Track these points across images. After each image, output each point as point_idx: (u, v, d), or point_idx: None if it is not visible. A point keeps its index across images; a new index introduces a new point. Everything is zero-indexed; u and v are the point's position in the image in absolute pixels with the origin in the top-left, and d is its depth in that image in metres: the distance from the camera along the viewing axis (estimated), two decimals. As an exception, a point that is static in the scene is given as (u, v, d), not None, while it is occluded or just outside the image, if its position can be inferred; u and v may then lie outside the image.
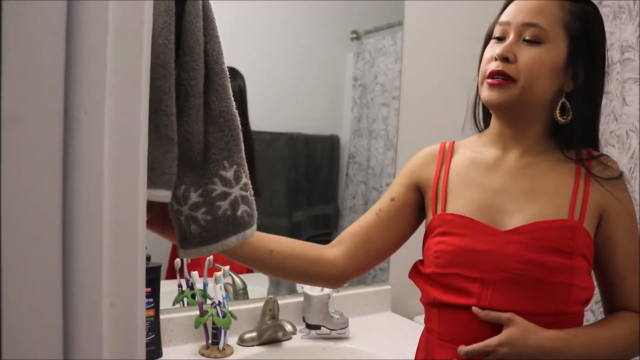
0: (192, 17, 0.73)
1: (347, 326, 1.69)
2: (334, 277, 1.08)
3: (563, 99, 0.97)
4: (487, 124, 1.10)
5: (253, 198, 0.81)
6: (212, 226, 0.77)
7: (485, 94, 0.97)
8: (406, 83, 2.07)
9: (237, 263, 1.03)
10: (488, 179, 1.01)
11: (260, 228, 1.81)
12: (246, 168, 0.80)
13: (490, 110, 1.03)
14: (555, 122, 0.99)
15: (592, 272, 0.99)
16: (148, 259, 1.40)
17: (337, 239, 1.11)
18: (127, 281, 0.52)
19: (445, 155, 1.09)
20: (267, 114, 1.84)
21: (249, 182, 0.81)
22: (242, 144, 0.79)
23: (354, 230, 1.10)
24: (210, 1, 0.77)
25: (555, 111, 0.97)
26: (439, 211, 1.02)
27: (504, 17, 0.98)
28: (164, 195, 0.73)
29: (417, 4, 2.07)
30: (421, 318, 2.03)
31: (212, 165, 0.76)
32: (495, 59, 0.95)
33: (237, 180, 0.78)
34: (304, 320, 1.69)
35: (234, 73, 1.67)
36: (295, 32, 1.88)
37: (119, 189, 0.51)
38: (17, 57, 0.45)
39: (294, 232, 1.91)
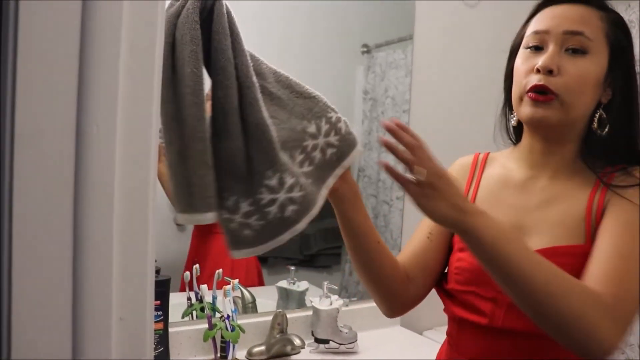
0: (220, 36, 0.75)
1: (356, 340, 1.68)
2: (407, 302, 1.04)
3: (600, 110, 0.92)
4: (518, 138, 1.04)
5: (302, 193, 0.83)
6: (266, 230, 0.81)
7: (527, 110, 0.90)
8: (416, 96, 2.07)
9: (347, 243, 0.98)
10: (513, 199, 0.98)
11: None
12: (291, 170, 0.82)
13: (527, 127, 0.97)
14: (590, 137, 0.93)
15: None
16: (157, 271, 1.41)
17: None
18: (136, 295, 0.53)
19: (477, 168, 1.06)
20: (277, 127, 1.85)
21: (294, 181, 0.82)
22: (278, 151, 0.81)
23: (412, 259, 1.05)
24: (234, 17, 0.79)
25: (593, 123, 0.92)
26: None
27: (540, 26, 0.92)
28: (209, 218, 0.76)
29: (427, 18, 2.07)
30: (430, 333, 2.02)
31: (257, 176, 0.79)
32: (538, 71, 0.88)
33: (281, 185, 0.81)
34: (312, 334, 1.68)
35: None
36: (306, 45, 1.89)
37: (130, 203, 0.51)
38: (31, 73, 0.45)
39: (303, 245, 1.91)
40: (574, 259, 0.86)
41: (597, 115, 0.92)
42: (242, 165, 0.79)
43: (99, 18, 0.48)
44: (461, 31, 2.17)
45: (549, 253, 0.87)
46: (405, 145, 0.79)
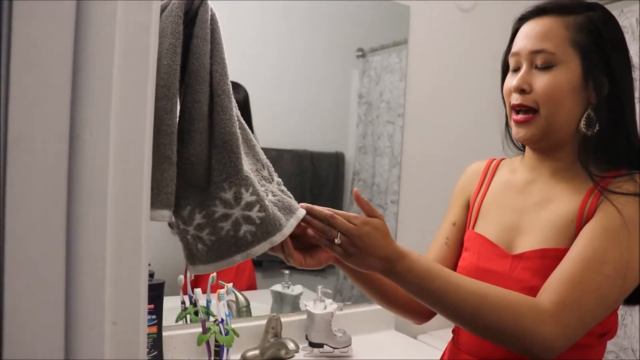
0: (199, 40, 0.74)
1: (350, 344, 1.68)
2: (425, 313, 1.09)
3: (588, 110, 0.94)
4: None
5: (263, 214, 0.81)
6: (217, 246, 0.79)
7: (514, 131, 0.98)
8: (411, 101, 2.08)
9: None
10: (515, 202, 1.02)
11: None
12: (251, 185, 0.80)
13: (523, 143, 1.03)
14: (586, 140, 0.94)
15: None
16: (151, 275, 1.41)
17: None
18: (129, 299, 0.53)
19: (489, 173, 1.11)
20: (272, 130, 1.85)
21: (256, 199, 0.80)
22: (242, 164, 0.79)
23: None
24: (218, 26, 0.78)
25: (581, 123, 0.94)
26: (470, 228, 1.07)
27: (514, 48, 0.98)
28: (162, 215, 0.73)
29: (422, 22, 2.08)
30: (424, 337, 2.02)
31: (213, 187, 0.78)
32: (513, 91, 0.96)
33: (237, 201, 0.79)
34: (306, 338, 1.68)
35: (237, 87, 1.68)
36: (301, 49, 1.89)
37: (123, 208, 0.51)
38: (24, 78, 0.45)
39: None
40: (560, 261, 0.88)
41: (584, 116, 0.94)
42: (202, 174, 0.77)
43: (92, 24, 0.48)
44: (456, 35, 2.18)
45: (537, 255, 0.92)
46: (320, 219, 0.85)
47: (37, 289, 0.47)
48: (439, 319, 1.06)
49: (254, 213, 0.80)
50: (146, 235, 0.54)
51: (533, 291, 0.87)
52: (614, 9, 1.98)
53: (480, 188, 1.10)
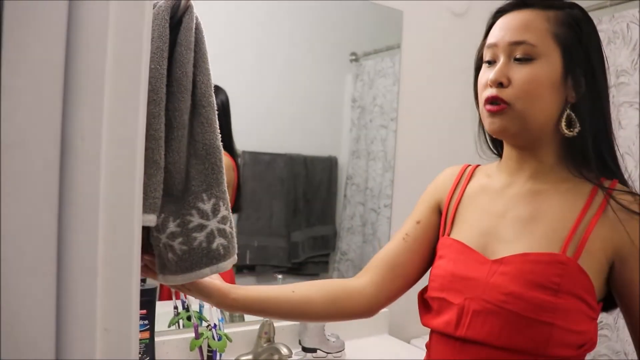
0: (182, 48, 0.73)
1: (344, 349, 1.68)
2: (365, 308, 1.04)
3: (568, 110, 0.91)
4: (501, 150, 1.05)
5: (233, 231, 0.82)
6: (187, 256, 0.78)
7: (487, 122, 0.93)
8: (404, 105, 2.09)
9: (261, 317, 1.07)
10: (492, 206, 0.97)
11: (259, 248, 1.80)
12: (227, 202, 0.80)
13: (496, 137, 0.98)
14: (569, 142, 0.92)
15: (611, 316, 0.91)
16: (143, 280, 1.40)
17: (364, 269, 1.07)
18: (121, 306, 0.52)
19: (463, 178, 1.07)
20: (266, 134, 1.85)
21: (230, 215, 0.81)
22: (224, 178, 0.79)
23: (380, 257, 1.07)
24: (203, 35, 0.77)
25: (561, 124, 0.90)
26: (445, 235, 1.02)
27: (490, 39, 0.94)
28: (149, 220, 0.73)
29: (415, 27, 2.09)
30: (418, 341, 2.02)
31: (191, 197, 0.77)
32: (490, 85, 0.91)
33: (214, 213, 0.78)
34: (300, 343, 1.68)
35: (217, 90, 1.68)
36: (295, 53, 1.90)
37: (115, 214, 0.51)
38: (16, 83, 0.45)
39: (292, 253, 1.91)
40: (543, 266, 0.85)
41: (564, 116, 0.91)
42: (179, 183, 0.77)
43: (84, 28, 0.48)
44: (448, 40, 2.19)
45: (518, 260, 0.87)
46: None
47: (28, 295, 0.47)
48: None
49: (228, 227, 0.80)
50: (138, 240, 0.54)
51: (511, 297, 0.85)
52: (604, 14, 2.00)
53: (454, 193, 1.05)
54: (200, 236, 0.77)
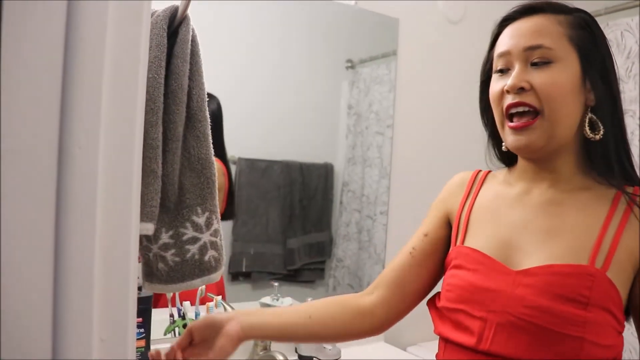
0: (179, 60, 0.74)
1: (340, 357, 1.67)
2: (375, 328, 1.02)
3: (589, 114, 0.87)
4: (512, 159, 1.01)
5: (222, 243, 0.83)
6: (180, 267, 0.78)
7: (510, 139, 0.88)
8: (400, 112, 2.09)
9: (279, 342, 1.06)
10: (511, 215, 0.93)
11: (254, 255, 1.79)
12: (218, 215, 0.81)
13: (517, 153, 0.93)
14: (588, 148, 0.89)
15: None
16: (139, 288, 1.39)
17: (373, 285, 1.05)
18: (117, 316, 0.52)
19: (475, 184, 1.02)
20: (262, 141, 1.85)
21: (220, 228, 0.82)
22: (217, 192, 0.80)
23: (389, 273, 1.03)
24: (199, 48, 0.77)
25: (585, 128, 0.87)
26: (458, 243, 0.97)
27: (502, 48, 0.90)
28: (146, 228, 0.73)
29: (411, 34, 2.10)
30: (414, 349, 2.01)
31: (185, 209, 0.77)
32: (507, 92, 0.87)
33: (208, 226, 0.79)
34: (296, 351, 1.67)
35: (209, 97, 1.67)
36: (291, 60, 1.90)
37: (112, 223, 0.51)
38: (13, 91, 0.45)
39: (288, 260, 1.91)
40: (572, 279, 0.81)
41: (587, 119, 0.88)
42: (172, 195, 0.77)
43: (82, 36, 0.48)
44: (444, 47, 2.20)
45: (544, 271, 0.83)
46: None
47: (24, 304, 0.46)
48: (428, 330, 1.05)
49: (219, 240, 0.82)
50: (135, 249, 0.53)
51: (537, 310, 0.81)
52: (599, 23, 2.01)
53: (466, 201, 1.00)
54: (194, 248, 0.78)
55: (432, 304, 1.00)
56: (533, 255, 0.87)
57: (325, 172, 2.01)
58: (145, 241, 0.78)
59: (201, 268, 0.79)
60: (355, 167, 2.08)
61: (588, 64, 0.87)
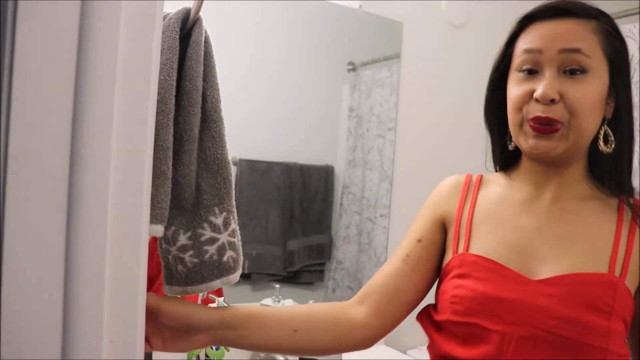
0: (192, 62, 0.74)
1: (341, 359, 1.67)
2: (367, 340, 0.94)
3: (605, 127, 0.84)
4: (510, 160, 0.97)
5: (240, 244, 0.82)
6: (198, 269, 0.78)
7: (529, 142, 0.82)
8: (402, 115, 2.10)
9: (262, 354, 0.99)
10: (519, 220, 0.87)
11: (255, 257, 1.79)
12: (235, 215, 0.81)
13: (532, 157, 0.89)
14: (598, 158, 0.86)
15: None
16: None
17: (362, 294, 0.95)
18: (127, 318, 0.52)
19: (471, 188, 0.96)
20: (263, 143, 1.85)
21: (237, 228, 0.82)
22: (233, 192, 0.80)
23: (380, 282, 0.95)
24: (212, 49, 0.77)
25: (599, 141, 0.84)
26: (461, 250, 0.89)
27: (531, 44, 0.83)
28: (156, 230, 0.73)
29: (414, 38, 2.10)
30: (414, 352, 2.01)
31: (203, 210, 0.77)
32: (537, 100, 0.81)
33: (225, 226, 0.79)
34: (296, 352, 1.67)
35: None
36: (293, 62, 1.90)
37: (122, 227, 0.51)
38: (26, 94, 0.45)
39: (287, 261, 1.91)
40: (598, 288, 0.78)
41: (601, 132, 0.84)
42: (190, 196, 0.77)
43: (95, 41, 0.48)
44: (447, 51, 2.20)
45: (568, 281, 0.79)
46: None
47: (35, 306, 0.47)
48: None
49: (237, 240, 0.81)
50: (145, 252, 0.54)
51: (563, 321, 0.77)
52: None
53: (465, 203, 0.94)
54: (212, 249, 0.78)
55: (426, 318, 0.93)
56: (550, 263, 0.82)
57: (325, 174, 2.01)
58: (165, 244, 0.78)
59: (220, 269, 0.78)
60: (355, 169, 2.08)
61: (616, 77, 0.83)
